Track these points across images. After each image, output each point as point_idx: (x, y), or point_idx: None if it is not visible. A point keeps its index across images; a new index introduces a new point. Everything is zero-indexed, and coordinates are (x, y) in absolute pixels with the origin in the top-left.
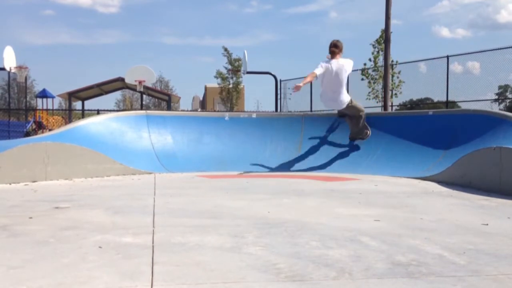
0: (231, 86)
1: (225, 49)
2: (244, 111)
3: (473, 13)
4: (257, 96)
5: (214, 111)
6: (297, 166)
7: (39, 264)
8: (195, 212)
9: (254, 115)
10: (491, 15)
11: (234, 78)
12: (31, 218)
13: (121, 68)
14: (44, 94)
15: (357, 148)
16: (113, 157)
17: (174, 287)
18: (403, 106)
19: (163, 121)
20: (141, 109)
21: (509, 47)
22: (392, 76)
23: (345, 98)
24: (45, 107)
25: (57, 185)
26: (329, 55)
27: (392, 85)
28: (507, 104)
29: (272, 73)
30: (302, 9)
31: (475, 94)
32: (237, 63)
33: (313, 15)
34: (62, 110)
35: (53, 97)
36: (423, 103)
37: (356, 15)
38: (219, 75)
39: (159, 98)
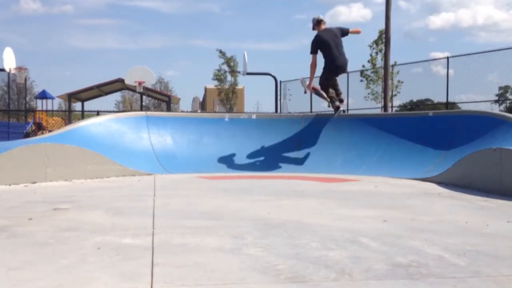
0: (227, 87)
1: (220, 51)
2: (244, 112)
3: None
4: (257, 97)
5: (214, 112)
6: (297, 167)
7: (38, 265)
8: (195, 213)
9: (254, 116)
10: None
11: (232, 79)
12: (30, 219)
13: (121, 69)
14: (43, 95)
15: (357, 149)
16: (113, 158)
17: None
18: (403, 107)
19: (163, 122)
20: (141, 110)
21: (509, 48)
22: (392, 77)
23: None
24: (44, 108)
25: (57, 186)
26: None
27: (391, 85)
28: (507, 105)
29: (272, 73)
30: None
31: (475, 95)
32: (232, 63)
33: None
34: (61, 111)
35: (52, 98)
36: (423, 104)
37: (348, 17)
38: (215, 76)
39: (159, 99)
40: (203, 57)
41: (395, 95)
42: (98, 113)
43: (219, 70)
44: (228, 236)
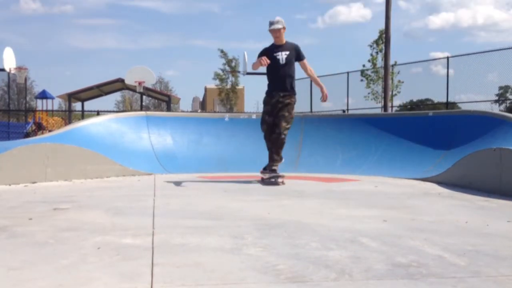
0: (228, 87)
1: (222, 51)
2: (244, 112)
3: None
4: (257, 97)
5: (214, 112)
6: (297, 167)
7: (38, 265)
8: (195, 213)
9: (254, 116)
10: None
11: (232, 79)
12: (30, 219)
13: (121, 69)
14: (43, 95)
15: (357, 148)
16: (112, 158)
17: None
18: (403, 107)
19: (163, 122)
20: (141, 110)
21: (509, 48)
22: (392, 77)
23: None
24: (44, 108)
25: (57, 186)
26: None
27: (391, 85)
28: (507, 105)
29: None
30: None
31: (475, 95)
32: (233, 63)
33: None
34: (62, 111)
35: (52, 98)
36: (423, 104)
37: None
38: (217, 76)
39: (159, 99)
40: (203, 57)
41: (395, 95)
42: (98, 113)
43: (223, 70)
44: (228, 236)
